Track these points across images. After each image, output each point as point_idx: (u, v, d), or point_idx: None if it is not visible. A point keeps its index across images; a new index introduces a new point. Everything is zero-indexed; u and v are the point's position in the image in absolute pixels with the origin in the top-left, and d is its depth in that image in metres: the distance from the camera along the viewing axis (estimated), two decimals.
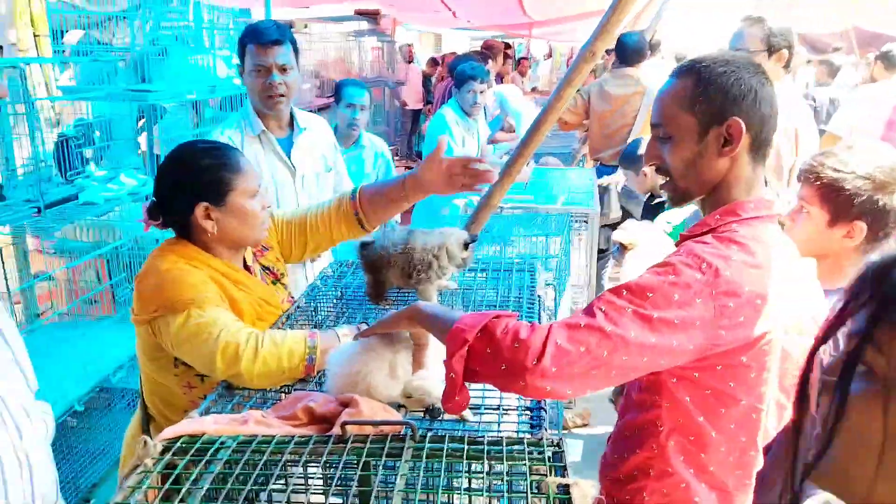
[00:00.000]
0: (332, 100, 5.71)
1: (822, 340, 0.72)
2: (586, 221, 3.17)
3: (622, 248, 1.90)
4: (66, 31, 3.88)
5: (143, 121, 4.05)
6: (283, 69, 2.39)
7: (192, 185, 1.61)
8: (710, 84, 1.23)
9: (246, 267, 1.75)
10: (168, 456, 1.11)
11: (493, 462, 1.07)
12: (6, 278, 2.63)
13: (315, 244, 1.91)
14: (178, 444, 1.14)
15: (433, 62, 8.50)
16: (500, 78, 6.71)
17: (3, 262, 2.65)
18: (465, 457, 1.08)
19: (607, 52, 6.35)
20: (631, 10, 1.87)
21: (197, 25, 3.91)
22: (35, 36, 5.17)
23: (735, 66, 1.23)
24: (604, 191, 4.03)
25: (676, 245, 1.32)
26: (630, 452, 1.35)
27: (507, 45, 8.41)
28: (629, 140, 4.04)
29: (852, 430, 0.66)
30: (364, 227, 1.87)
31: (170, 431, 1.16)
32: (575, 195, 3.49)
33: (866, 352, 0.67)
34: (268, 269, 1.83)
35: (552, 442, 1.08)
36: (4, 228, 3.04)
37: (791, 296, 1.22)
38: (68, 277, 3.60)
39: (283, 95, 2.41)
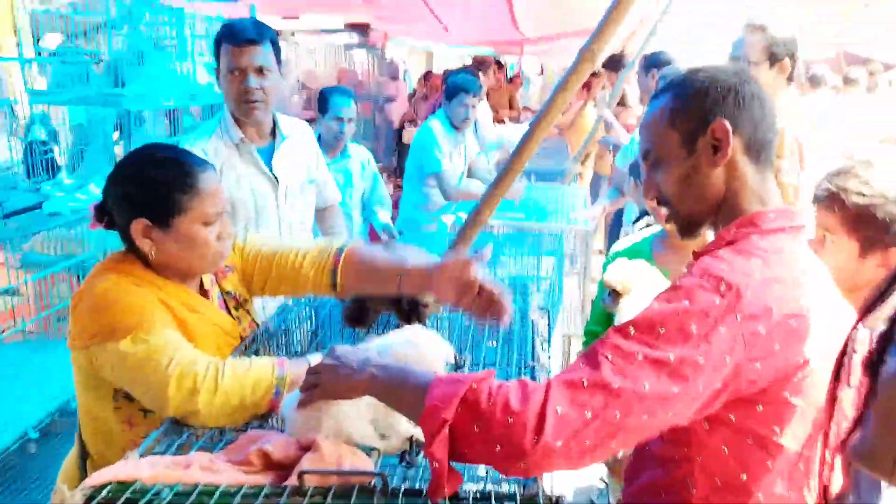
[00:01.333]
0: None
1: (860, 318, 0.71)
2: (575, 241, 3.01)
3: (615, 294, 1.66)
4: (43, 36, 3.73)
5: (117, 133, 3.88)
6: (259, 71, 2.19)
7: (135, 196, 1.40)
8: (686, 93, 1.14)
9: (203, 292, 1.55)
10: None
11: None
12: None
13: (278, 284, 1.62)
14: (105, 492, 0.96)
15: (425, 79, 8.39)
16: (489, 94, 6.59)
17: None
18: None
19: (597, 74, 6.28)
20: (631, 7, 1.72)
21: (179, 31, 3.76)
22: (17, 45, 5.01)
23: (711, 71, 1.15)
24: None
25: (688, 267, 1.14)
26: None
27: (499, 63, 8.32)
28: None
29: (881, 408, 0.65)
30: (335, 289, 1.55)
31: (96, 478, 0.98)
32: (568, 214, 3.34)
33: None
34: (230, 293, 1.62)
35: (551, 500, 0.91)
36: None
37: (830, 323, 1.03)
38: (36, 293, 3.41)
39: (259, 101, 2.23)
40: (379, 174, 3.75)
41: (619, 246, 1.97)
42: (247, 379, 1.27)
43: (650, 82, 4.21)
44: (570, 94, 1.85)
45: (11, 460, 2.79)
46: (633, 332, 0.97)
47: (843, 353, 0.72)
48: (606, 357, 0.94)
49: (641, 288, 1.52)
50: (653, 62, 4.21)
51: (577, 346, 3.20)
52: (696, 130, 1.11)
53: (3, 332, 3.19)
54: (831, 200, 1.47)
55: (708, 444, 1.06)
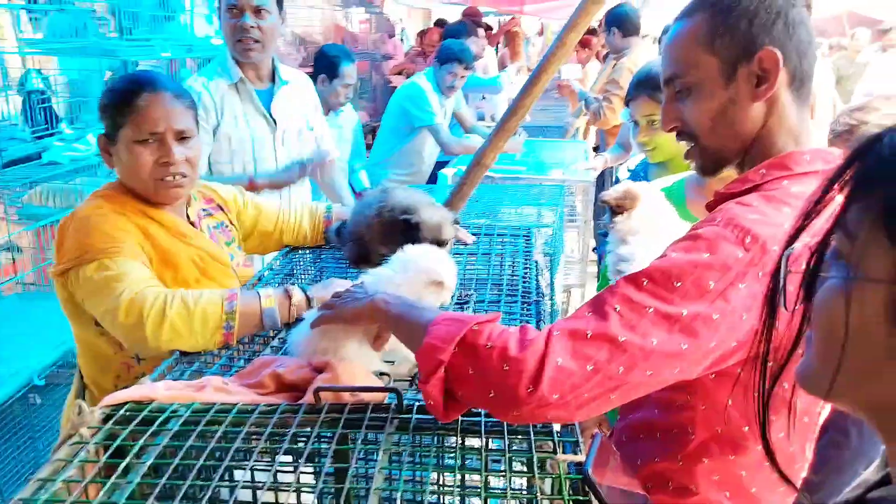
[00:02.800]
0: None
1: (793, 235, 0.65)
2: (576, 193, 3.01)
3: (612, 213, 1.56)
4: None
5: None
6: (257, 11, 2.19)
7: (99, 111, 1.49)
8: (731, 13, 1.00)
9: (191, 223, 1.59)
10: (109, 425, 0.95)
11: (491, 437, 0.92)
12: None
13: (279, 236, 1.80)
14: (122, 411, 0.98)
15: (422, 35, 8.29)
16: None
17: None
18: (458, 430, 0.92)
19: (595, 32, 6.20)
20: None
21: None
22: None
23: None
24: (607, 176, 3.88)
25: (708, 207, 1.07)
26: (645, 459, 1.11)
27: (489, 26, 8.23)
28: None
29: (820, 325, 0.62)
30: (328, 243, 1.84)
31: (113, 397, 1.00)
32: (569, 167, 3.33)
33: (837, 239, 0.60)
34: (222, 226, 1.67)
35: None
36: None
37: None
38: (34, 246, 3.40)
39: (256, 41, 2.22)
40: (361, 135, 3.79)
41: None
42: (195, 311, 1.28)
43: (615, 39, 4.17)
44: (577, 36, 1.82)
45: (16, 410, 2.82)
46: (645, 284, 0.89)
47: (776, 276, 0.68)
48: (615, 308, 0.88)
49: (640, 207, 1.40)
50: (613, 19, 4.17)
51: (577, 296, 3.23)
52: (738, 57, 1.00)
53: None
54: (852, 135, 1.44)
55: (712, 395, 1.02)
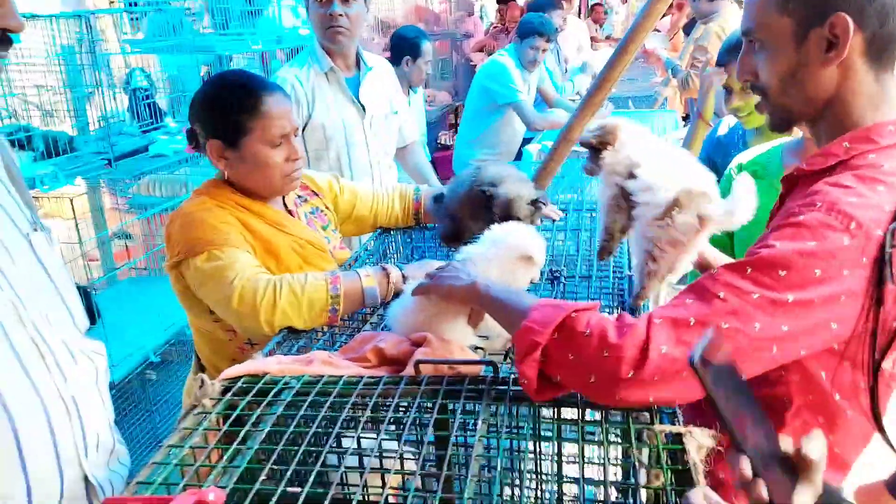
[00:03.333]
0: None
1: None
2: None
3: (594, 152, 1.28)
4: None
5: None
6: (345, 0, 2.27)
7: (208, 118, 1.51)
8: None
9: (289, 212, 1.65)
10: (228, 396, 1.02)
11: (587, 408, 0.93)
12: (78, 229, 2.63)
13: (373, 220, 1.86)
14: (239, 384, 1.05)
15: (501, 12, 8.22)
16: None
17: (74, 213, 2.65)
18: (554, 401, 0.95)
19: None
20: None
21: None
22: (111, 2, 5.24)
23: None
24: None
25: (786, 179, 1.06)
26: None
27: None
28: None
29: None
30: (418, 223, 1.89)
31: (231, 371, 1.08)
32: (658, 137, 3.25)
33: None
34: (317, 211, 1.73)
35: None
36: (78, 182, 3.07)
37: None
38: (144, 233, 3.63)
39: (344, 28, 2.30)
40: (425, 110, 3.86)
41: (743, 157, 1.79)
42: (303, 298, 1.35)
43: (701, 4, 4.03)
44: (663, 5, 1.78)
45: (134, 386, 3.05)
46: (749, 272, 0.90)
47: (882, 250, 0.64)
48: (718, 295, 0.89)
49: (625, 137, 1.24)
50: None
51: None
52: (811, 21, 0.99)
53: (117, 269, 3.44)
54: None
55: (807, 367, 1.02)
